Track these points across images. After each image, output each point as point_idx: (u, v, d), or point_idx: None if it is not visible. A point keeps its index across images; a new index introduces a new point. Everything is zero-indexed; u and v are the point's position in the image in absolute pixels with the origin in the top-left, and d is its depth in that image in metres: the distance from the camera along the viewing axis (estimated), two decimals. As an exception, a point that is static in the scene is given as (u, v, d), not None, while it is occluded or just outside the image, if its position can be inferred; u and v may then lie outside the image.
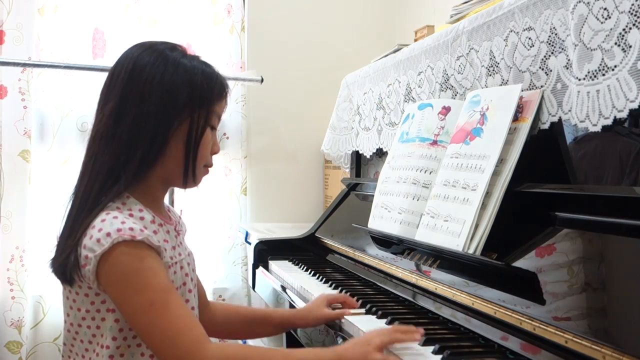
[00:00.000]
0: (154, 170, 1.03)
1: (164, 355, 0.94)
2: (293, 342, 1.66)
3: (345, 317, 1.18)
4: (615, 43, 0.92)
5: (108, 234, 0.94)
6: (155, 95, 1.01)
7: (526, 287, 0.98)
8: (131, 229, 0.95)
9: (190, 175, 1.05)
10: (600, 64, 0.95)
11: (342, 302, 1.26)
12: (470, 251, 1.11)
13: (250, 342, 2.45)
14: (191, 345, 0.93)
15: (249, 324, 1.27)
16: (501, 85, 1.26)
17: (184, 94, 1.03)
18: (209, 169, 1.11)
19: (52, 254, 1.03)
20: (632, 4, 0.89)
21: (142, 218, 1.01)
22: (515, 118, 1.15)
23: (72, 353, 1.03)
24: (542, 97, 1.12)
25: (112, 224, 0.95)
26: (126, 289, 0.94)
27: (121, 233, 0.94)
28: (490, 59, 1.29)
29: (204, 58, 1.10)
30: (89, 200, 1.00)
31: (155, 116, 1.01)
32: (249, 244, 2.14)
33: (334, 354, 0.96)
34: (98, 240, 0.94)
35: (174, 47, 1.07)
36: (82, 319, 1.00)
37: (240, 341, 1.71)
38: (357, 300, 1.28)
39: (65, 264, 0.97)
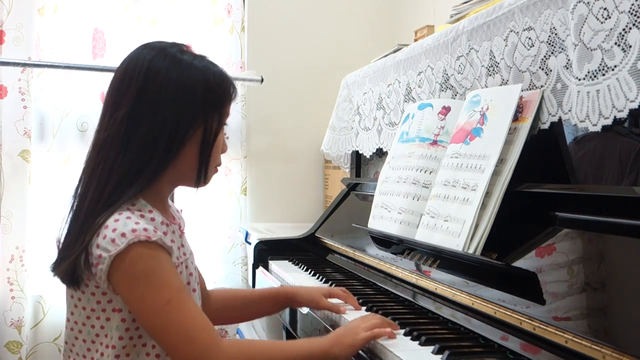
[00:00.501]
0: (166, 173, 1.04)
1: (179, 353, 0.95)
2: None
3: (344, 316, 1.19)
4: (615, 43, 0.92)
5: (123, 234, 0.94)
6: (172, 101, 1.01)
7: (526, 287, 0.98)
8: (145, 229, 0.95)
9: (202, 176, 1.07)
10: (600, 64, 0.95)
11: (343, 300, 1.26)
12: (470, 251, 1.11)
13: (246, 335, 2.46)
14: (206, 343, 0.94)
15: (249, 304, 1.31)
16: (501, 85, 1.26)
17: (199, 97, 1.03)
18: (218, 168, 1.12)
19: (56, 258, 1.02)
20: (632, 4, 0.89)
21: (152, 219, 1.01)
22: (515, 118, 1.15)
23: (72, 353, 1.03)
24: (542, 97, 1.12)
25: (126, 224, 0.95)
26: (142, 288, 0.95)
27: (136, 234, 0.94)
28: (490, 59, 1.29)
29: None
30: (99, 203, 0.99)
31: (172, 122, 1.01)
32: (249, 244, 2.14)
33: (327, 342, 1.03)
34: (113, 240, 0.94)
35: (181, 49, 1.07)
36: (87, 318, 1.00)
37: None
38: (357, 300, 1.28)
39: (74, 266, 0.97)
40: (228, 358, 0.95)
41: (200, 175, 1.06)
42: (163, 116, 1.01)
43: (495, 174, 1.13)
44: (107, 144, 1.02)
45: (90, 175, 1.02)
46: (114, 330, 0.99)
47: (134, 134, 1.01)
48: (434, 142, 1.40)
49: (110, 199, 0.99)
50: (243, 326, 2.60)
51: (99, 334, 1.00)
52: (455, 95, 1.45)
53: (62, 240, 1.03)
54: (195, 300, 1.09)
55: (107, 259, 0.94)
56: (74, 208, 1.03)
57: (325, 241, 1.89)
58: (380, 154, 1.92)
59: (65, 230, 1.02)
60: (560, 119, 1.09)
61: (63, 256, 1.00)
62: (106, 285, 0.96)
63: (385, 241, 1.50)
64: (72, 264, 0.97)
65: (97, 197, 1.00)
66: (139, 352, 1.00)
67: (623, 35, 0.91)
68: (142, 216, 1.00)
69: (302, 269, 1.72)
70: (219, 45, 2.64)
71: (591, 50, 0.96)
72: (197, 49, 1.11)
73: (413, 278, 1.29)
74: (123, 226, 0.95)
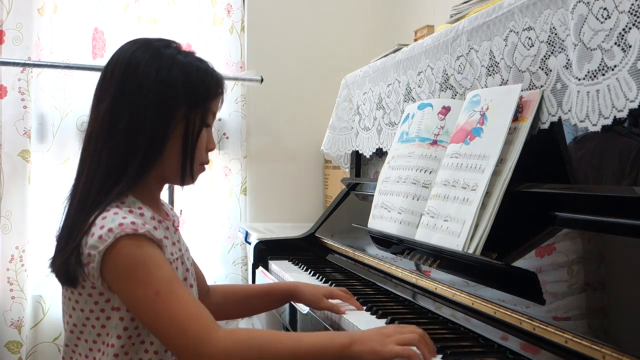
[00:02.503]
0: (152, 169, 1.03)
1: (173, 344, 0.93)
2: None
3: (344, 315, 1.18)
4: (615, 43, 0.92)
5: (110, 230, 0.94)
6: (151, 94, 1.01)
7: (526, 287, 0.98)
8: (133, 222, 0.95)
9: (187, 173, 1.06)
10: (600, 64, 0.95)
11: (344, 301, 1.26)
12: (470, 251, 1.11)
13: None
14: (200, 332, 0.92)
15: (250, 298, 1.31)
16: (501, 85, 1.26)
17: (179, 92, 1.02)
18: (205, 166, 1.11)
19: (52, 257, 1.02)
20: (632, 4, 0.89)
21: (142, 214, 1.01)
22: (515, 118, 1.15)
23: (74, 354, 1.03)
24: (542, 97, 1.12)
25: (114, 220, 0.95)
26: (131, 281, 0.94)
27: (123, 227, 0.94)
28: (490, 58, 1.29)
29: (199, 54, 1.09)
30: (87, 200, 0.99)
31: (152, 115, 1.01)
32: (249, 243, 2.14)
33: (348, 338, 0.93)
34: (100, 237, 0.94)
35: (168, 44, 1.06)
36: (87, 319, 1.00)
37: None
38: (357, 300, 1.28)
39: (68, 265, 0.97)
40: (223, 348, 0.91)
41: (185, 173, 1.05)
42: (143, 109, 1.00)
43: (495, 173, 1.13)
44: (92, 139, 1.02)
45: (79, 172, 1.03)
46: (113, 329, 0.99)
47: (115, 127, 1.00)
48: (434, 142, 1.40)
49: (99, 196, 0.99)
50: (242, 324, 2.60)
51: (100, 334, 1.00)
52: (455, 95, 1.45)
53: (57, 239, 1.03)
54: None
55: (96, 256, 0.94)
56: (67, 206, 1.03)
57: (325, 241, 1.89)
58: (380, 153, 1.92)
59: (60, 229, 1.03)
60: (560, 119, 1.09)
61: (57, 255, 1.01)
62: (100, 283, 0.96)
63: (385, 241, 1.50)
64: (65, 263, 0.97)
65: (85, 194, 1.00)
66: (137, 350, 1.00)
67: (623, 35, 0.91)
68: (130, 211, 0.99)
69: (302, 269, 1.72)
70: (218, 45, 2.64)
71: (591, 50, 0.96)
72: (197, 49, 1.12)
73: (413, 278, 1.29)
74: (110, 222, 0.95)
